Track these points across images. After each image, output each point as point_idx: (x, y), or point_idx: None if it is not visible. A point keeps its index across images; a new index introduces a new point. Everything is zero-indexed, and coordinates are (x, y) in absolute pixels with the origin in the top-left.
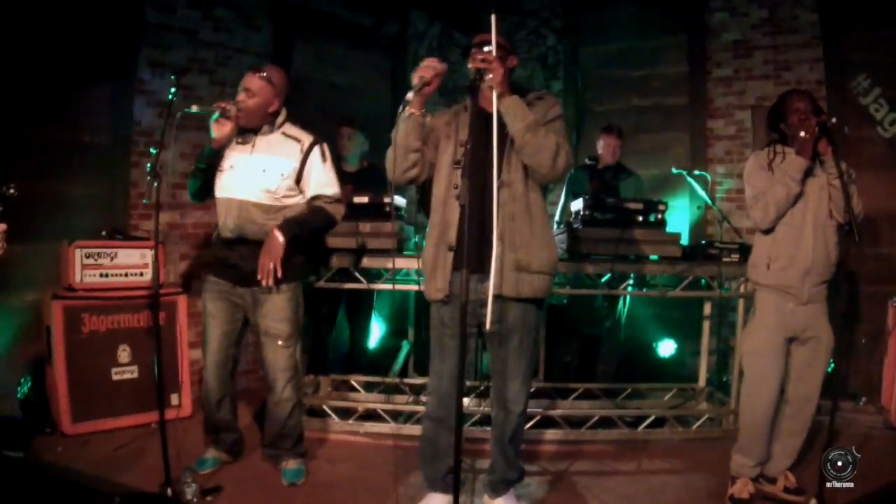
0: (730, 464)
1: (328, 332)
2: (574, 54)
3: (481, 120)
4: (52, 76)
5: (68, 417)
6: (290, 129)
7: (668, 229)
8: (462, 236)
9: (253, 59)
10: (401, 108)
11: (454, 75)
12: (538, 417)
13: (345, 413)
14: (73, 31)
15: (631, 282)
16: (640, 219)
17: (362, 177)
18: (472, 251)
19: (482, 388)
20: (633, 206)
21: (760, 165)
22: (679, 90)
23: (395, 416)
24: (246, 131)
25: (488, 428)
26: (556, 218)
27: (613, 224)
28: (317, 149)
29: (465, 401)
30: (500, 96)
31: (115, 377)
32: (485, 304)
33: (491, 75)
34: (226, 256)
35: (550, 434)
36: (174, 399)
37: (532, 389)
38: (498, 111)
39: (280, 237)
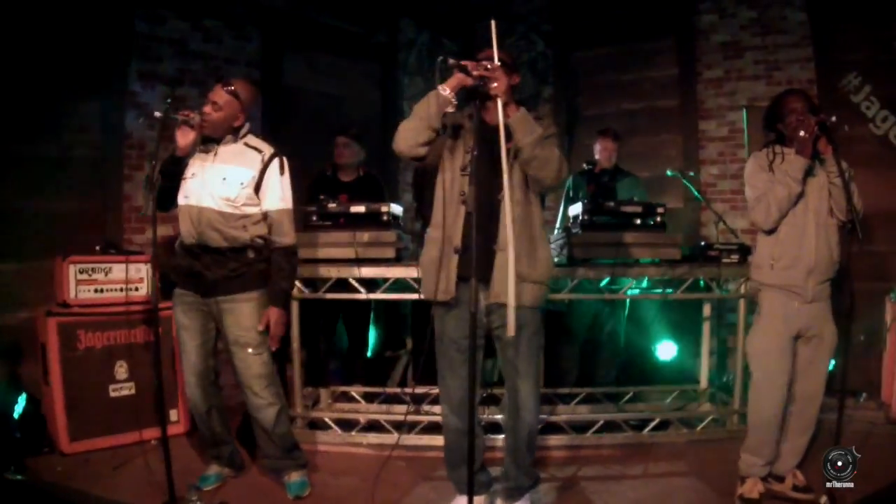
0: (738, 464)
1: (326, 344)
2: (564, 59)
3: (486, 130)
4: (41, 90)
5: (66, 436)
6: (252, 140)
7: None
8: (469, 243)
9: (243, 70)
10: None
11: None
12: (542, 423)
13: (346, 424)
14: (61, 44)
15: (633, 286)
16: (639, 222)
17: (359, 186)
18: (478, 259)
19: (484, 394)
20: (631, 209)
21: (761, 166)
22: (670, 93)
23: (398, 426)
24: (208, 140)
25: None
26: (557, 224)
27: (612, 228)
28: (276, 161)
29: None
30: (505, 105)
31: (113, 394)
32: (491, 313)
33: (495, 84)
34: (189, 265)
35: (555, 440)
36: (172, 415)
37: None
38: (503, 122)
39: (280, 313)
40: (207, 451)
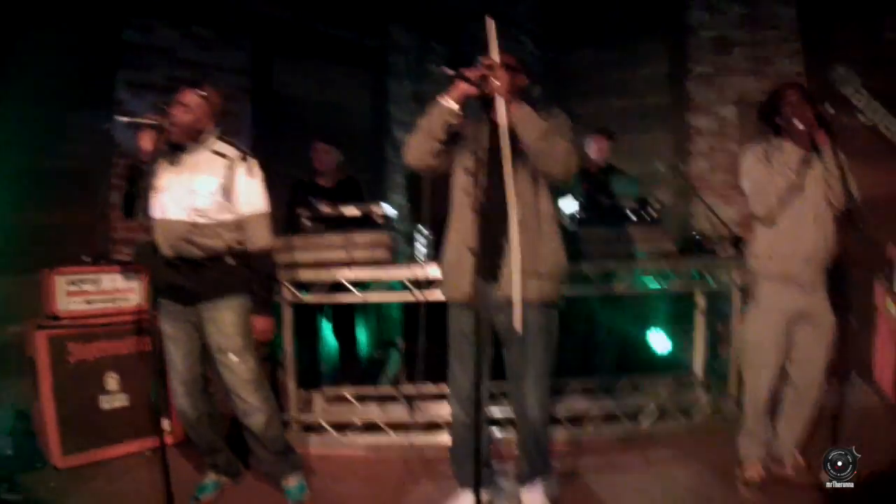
0: (737, 449)
1: (316, 347)
2: (554, 60)
3: (491, 130)
4: (27, 101)
5: (59, 450)
6: (219, 146)
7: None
8: (477, 242)
9: (233, 77)
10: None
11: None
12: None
13: (341, 427)
14: (50, 55)
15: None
16: (635, 217)
17: (340, 190)
18: (488, 257)
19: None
20: (626, 204)
21: (758, 159)
22: (660, 89)
23: (394, 427)
24: (175, 149)
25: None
26: None
27: (608, 224)
28: (244, 164)
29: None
30: (508, 104)
31: (105, 406)
32: (502, 310)
33: (497, 83)
34: (170, 276)
35: (553, 433)
36: (166, 424)
37: None
38: (509, 121)
39: (263, 320)
40: (204, 459)
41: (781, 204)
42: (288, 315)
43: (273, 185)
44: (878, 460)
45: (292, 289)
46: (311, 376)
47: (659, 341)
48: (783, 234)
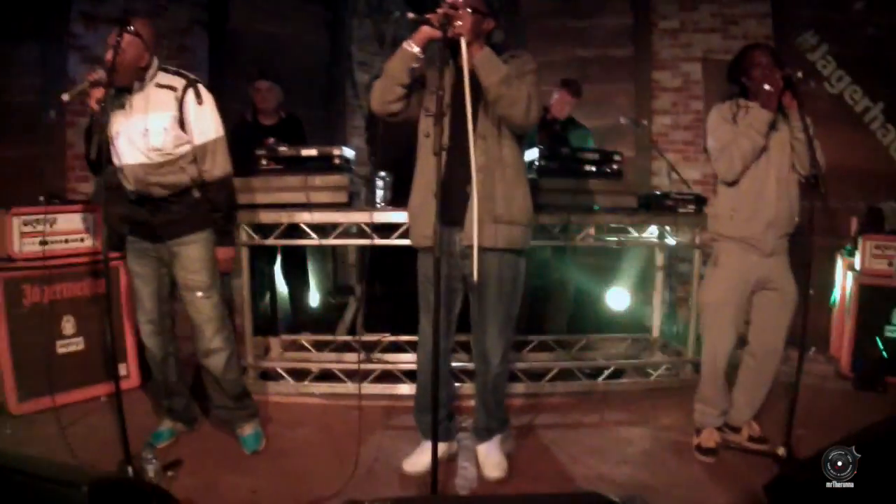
0: (693, 415)
1: (270, 293)
2: (515, 4)
3: (456, 73)
4: None
5: (14, 397)
6: (163, 77)
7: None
8: (444, 187)
9: (187, 10)
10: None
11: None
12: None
13: (298, 374)
14: None
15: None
16: (595, 169)
17: (281, 128)
18: (452, 202)
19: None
20: (588, 156)
21: (724, 118)
22: (623, 41)
23: (350, 374)
24: (120, 91)
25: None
26: None
27: (568, 174)
28: (191, 91)
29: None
30: (469, 45)
31: (61, 350)
32: (465, 257)
33: (459, 23)
34: (136, 213)
35: (511, 387)
36: (122, 369)
37: None
38: (470, 64)
39: (223, 250)
40: (161, 403)
41: (745, 164)
42: (244, 258)
43: (227, 121)
44: (832, 435)
45: (249, 230)
46: (268, 322)
47: (617, 300)
48: (744, 195)
